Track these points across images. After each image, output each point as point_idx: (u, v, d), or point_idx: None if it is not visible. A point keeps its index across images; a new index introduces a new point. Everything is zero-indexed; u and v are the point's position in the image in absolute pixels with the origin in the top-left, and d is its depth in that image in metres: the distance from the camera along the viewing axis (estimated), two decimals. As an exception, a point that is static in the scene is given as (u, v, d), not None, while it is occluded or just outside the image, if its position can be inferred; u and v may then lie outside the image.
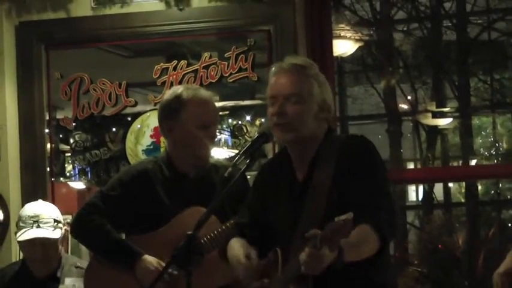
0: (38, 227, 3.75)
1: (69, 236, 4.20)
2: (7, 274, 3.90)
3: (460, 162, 11.69)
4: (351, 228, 2.33)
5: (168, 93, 3.40)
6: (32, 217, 3.77)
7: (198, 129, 3.28)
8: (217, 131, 3.73)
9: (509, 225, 11.44)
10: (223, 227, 3.20)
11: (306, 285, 2.53)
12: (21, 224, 3.79)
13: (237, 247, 2.81)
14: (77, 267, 3.79)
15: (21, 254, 3.99)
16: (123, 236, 3.44)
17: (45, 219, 3.77)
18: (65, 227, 3.86)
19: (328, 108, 2.79)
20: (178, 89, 3.37)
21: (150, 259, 3.26)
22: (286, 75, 2.76)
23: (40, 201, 3.98)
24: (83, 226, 3.40)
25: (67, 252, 4.50)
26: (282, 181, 2.83)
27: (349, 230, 2.33)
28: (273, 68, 2.82)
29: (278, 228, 2.75)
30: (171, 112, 3.30)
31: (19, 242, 3.81)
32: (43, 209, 3.84)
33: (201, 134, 3.28)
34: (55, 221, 3.80)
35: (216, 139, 3.51)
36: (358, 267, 2.54)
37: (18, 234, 3.78)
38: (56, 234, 3.78)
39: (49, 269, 3.80)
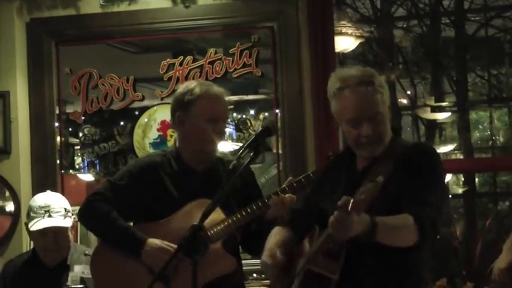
0: (50, 216, 3.80)
1: (78, 224, 4.32)
2: (17, 264, 3.94)
3: (458, 155, 11.67)
4: (378, 190, 2.40)
5: (182, 87, 3.42)
6: (43, 207, 3.82)
7: (207, 122, 3.30)
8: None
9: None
10: (230, 221, 3.24)
11: (335, 259, 2.59)
12: (32, 215, 3.83)
13: (270, 242, 2.88)
14: (86, 255, 3.82)
15: (32, 244, 4.04)
16: (132, 224, 3.45)
17: (56, 208, 3.82)
18: (74, 217, 3.88)
19: None
20: (192, 83, 3.39)
21: (154, 241, 3.26)
22: (362, 95, 2.74)
23: (49, 191, 4.03)
24: (90, 212, 3.40)
25: (76, 240, 4.60)
26: (342, 171, 2.88)
27: (376, 192, 2.40)
28: (340, 86, 2.78)
29: (328, 213, 2.73)
30: (183, 105, 3.32)
31: (31, 232, 3.84)
32: (53, 199, 3.89)
33: (209, 128, 3.30)
34: (65, 210, 3.85)
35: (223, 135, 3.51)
36: (395, 250, 2.59)
37: (30, 224, 3.82)
38: (67, 222, 3.83)
39: (59, 258, 3.84)
